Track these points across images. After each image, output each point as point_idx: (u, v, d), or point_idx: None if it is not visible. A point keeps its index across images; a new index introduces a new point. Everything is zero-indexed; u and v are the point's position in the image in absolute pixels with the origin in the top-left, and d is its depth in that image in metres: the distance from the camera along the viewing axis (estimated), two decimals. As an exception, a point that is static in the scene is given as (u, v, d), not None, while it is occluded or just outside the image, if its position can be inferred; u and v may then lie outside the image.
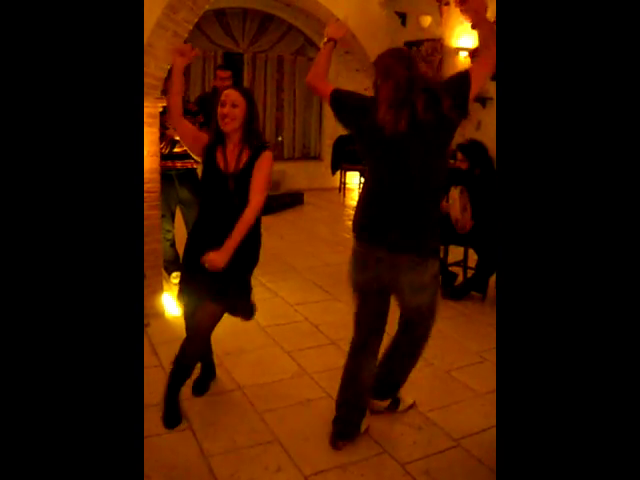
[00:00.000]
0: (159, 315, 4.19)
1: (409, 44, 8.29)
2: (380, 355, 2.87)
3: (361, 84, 8.89)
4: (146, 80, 3.75)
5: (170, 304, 4.40)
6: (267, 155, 2.80)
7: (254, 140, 2.83)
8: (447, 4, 7.38)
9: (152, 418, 2.91)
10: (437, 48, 7.75)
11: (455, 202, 4.65)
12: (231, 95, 2.79)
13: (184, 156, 4.80)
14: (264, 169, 2.77)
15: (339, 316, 4.32)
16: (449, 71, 7.64)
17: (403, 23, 8.36)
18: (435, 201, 2.64)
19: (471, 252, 4.96)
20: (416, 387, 3.33)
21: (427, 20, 7.70)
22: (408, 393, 3.20)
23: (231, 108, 2.76)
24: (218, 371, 3.43)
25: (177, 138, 4.66)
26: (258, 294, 4.69)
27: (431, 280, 2.67)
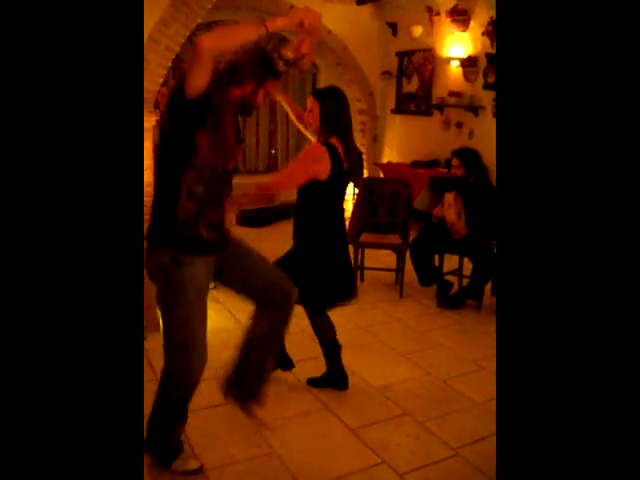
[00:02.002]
0: (155, 328, 4.17)
1: (400, 54, 8.34)
2: None
3: (353, 95, 8.93)
4: (139, 94, 3.76)
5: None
6: (309, 146, 3.17)
7: (323, 136, 3.10)
8: (438, 14, 7.43)
9: (149, 432, 2.90)
10: (428, 58, 7.79)
11: (451, 206, 4.70)
12: (309, 101, 3.11)
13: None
14: (298, 155, 3.26)
15: (338, 327, 4.31)
16: (440, 81, 7.69)
17: (394, 33, 8.40)
18: (165, 191, 2.42)
19: (466, 261, 4.98)
20: (413, 396, 3.33)
21: (418, 30, 7.74)
22: (404, 402, 3.20)
23: (308, 113, 3.10)
24: (212, 385, 3.42)
25: None
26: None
27: (154, 271, 2.45)
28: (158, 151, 2.50)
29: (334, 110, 3.06)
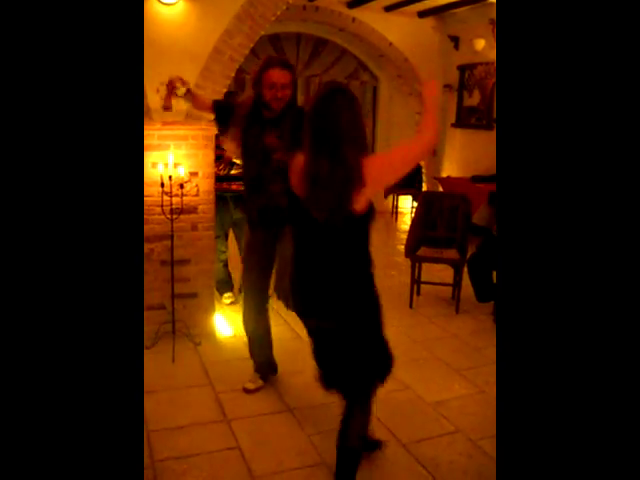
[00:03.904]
0: (210, 335, 4.24)
1: (462, 67, 8.26)
2: None
3: (413, 108, 8.89)
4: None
5: (222, 324, 4.45)
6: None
7: None
8: (502, 27, 7.34)
9: (201, 436, 2.93)
10: (491, 71, 7.70)
11: None
12: None
13: (240, 178, 4.87)
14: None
15: (393, 341, 4.27)
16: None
17: (456, 46, 8.34)
18: None
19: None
20: (467, 414, 3.27)
21: (480, 43, 7.66)
22: (458, 420, 3.15)
23: None
24: (268, 391, 3.44)
25: (235, 160, 4.74)
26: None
27: None
28: None
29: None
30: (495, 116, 7.67)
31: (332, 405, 3.31)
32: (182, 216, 3.96)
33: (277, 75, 3.01)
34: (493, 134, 7.74)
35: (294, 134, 2.98)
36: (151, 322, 4.07)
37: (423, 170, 9.05)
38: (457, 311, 4.98)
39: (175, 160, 3.84)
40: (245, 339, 4.23)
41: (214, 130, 3.96)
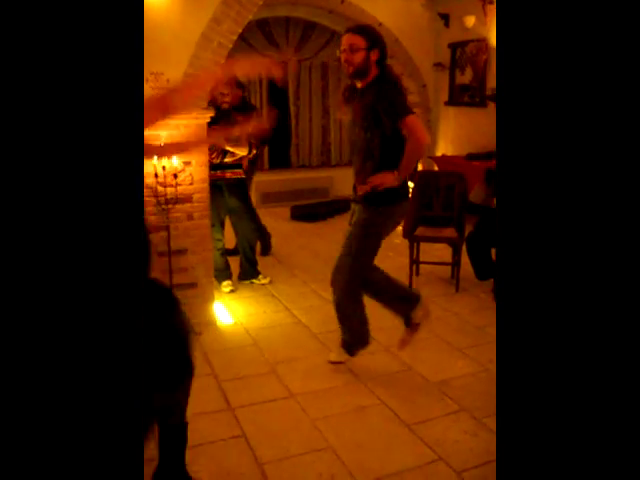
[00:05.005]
0: (211, 324, 4.23)
1: (453, 45, 8.21)
2: None
3: (405, 89, 8.84)
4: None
5: (221, 313, 4.44)
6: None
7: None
8: (491, 3, 7.27)
9: (205, 426, 2.93)
10: (482, 48, 7.64)
11: None
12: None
13: (234, 166, 4.86)
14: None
15: (391, 322, 4.28)
16: (495, 71, 7.54)
17: (446, 24, 8.27)
18: None
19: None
20: (471, 392, 3.28)
21: (471, 20, 7.59)
22: (462, 398, 3.16)
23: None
24: (271, 378, 3.43)
25: (227, 148, 4.72)
26: (310, 301, 4.70)
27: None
28: None
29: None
30: (487, 93, 7.63)
31: (335, 390, 3.32)
32: (177, 206, 3.95)
33: (344, 38, 3.04)
34: (487, 111, 7.70)
35: (368, 110, 3.01)
36: (151, 314, 4.06)
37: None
38: (457, 290, 4.98)
39: (168, 150, 3.81)
40: (246, 326, 4.24)
41: (206, 119, 3.93)
